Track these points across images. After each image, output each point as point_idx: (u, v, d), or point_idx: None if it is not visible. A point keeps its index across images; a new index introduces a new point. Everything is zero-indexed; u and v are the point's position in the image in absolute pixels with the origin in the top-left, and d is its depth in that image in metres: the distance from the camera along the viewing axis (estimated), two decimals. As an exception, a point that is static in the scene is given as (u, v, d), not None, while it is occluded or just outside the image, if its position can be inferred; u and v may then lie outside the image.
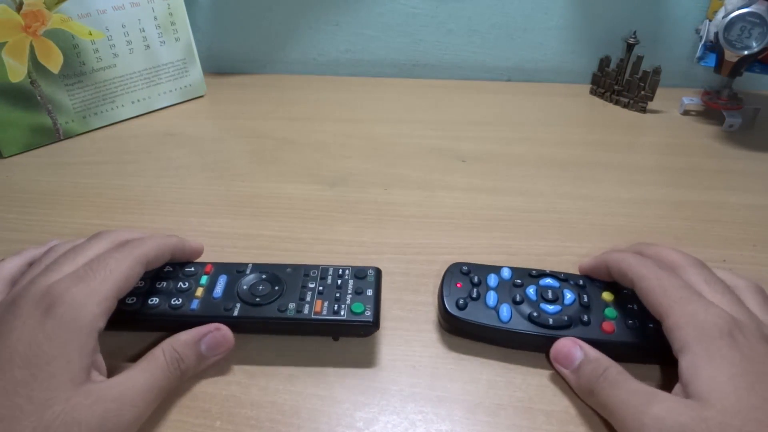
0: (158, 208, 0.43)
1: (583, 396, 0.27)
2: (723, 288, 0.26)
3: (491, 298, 0.30)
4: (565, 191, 0.45)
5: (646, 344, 0.28)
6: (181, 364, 0.26)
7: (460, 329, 0.30)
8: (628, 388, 0.25)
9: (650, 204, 0.44)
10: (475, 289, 0.31)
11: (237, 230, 0.40)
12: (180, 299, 0.30)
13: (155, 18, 0.55)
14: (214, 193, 0.45)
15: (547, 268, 0.32)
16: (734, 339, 0.23)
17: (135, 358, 0.27)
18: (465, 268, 0.32)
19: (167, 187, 0.46)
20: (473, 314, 0.30)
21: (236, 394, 0.28)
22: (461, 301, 0.30)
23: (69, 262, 0.26)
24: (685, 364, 0.23)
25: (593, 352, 0.27)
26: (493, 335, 0.30)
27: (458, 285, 0.31)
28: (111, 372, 0.25)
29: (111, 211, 0.42)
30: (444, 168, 0.48)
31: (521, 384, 0.29)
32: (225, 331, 0.28)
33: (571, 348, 0.28)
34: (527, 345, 0.30)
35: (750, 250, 0.39)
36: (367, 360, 0.30)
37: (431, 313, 0.33)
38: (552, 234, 0.40)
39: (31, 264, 0.29)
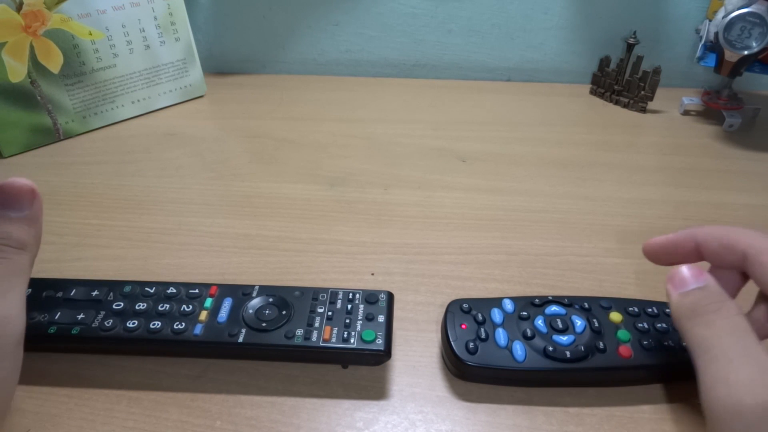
0: (158, 208, 0.43)
1: (680, 317, 0.24)
2: None
3: (501, 336, 0.28)
4: (565, 191, 0.45)
5: (668, 365, 0.27)
6: (8, 241, 0.24)
7: (474, 375, 0.28)
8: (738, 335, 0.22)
9: (650, 204, 0.44)
10: (481, 329, 0.29)
11: (237, 230, 0.40)
12: (183, 323, 0.29)
13: (155, 18, 0.55)
14: (214, 193, 0.45)
15: (550, 294, 0.31)
16: None
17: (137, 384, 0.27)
18: (465, 305, 0.30)
19: (167, 187, 0.46)
20: (486, 358, 0.28)
21: (236, 394, 0.28)
22: (471, 345, 0.28)
23: None
24: None
25: (716, 286, 0.24)
26: (509, 376, 0.28)
27: (463, 326, 0.29)
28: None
29: (111, 211, 0.42)
30: (444, 168, 0.48)
31: (521, 384, 0.29)
32: (17, 178, 0.25)
33: (695, 274, 0.24)
34: (547, 382, 0.28)
35: (750, 250, 0.39)
36: (367, 360, 0.30)
37: (431, 312, 0.33)
38: (552, 234, 0.40)
39: None
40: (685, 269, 0.25)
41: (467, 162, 0.49)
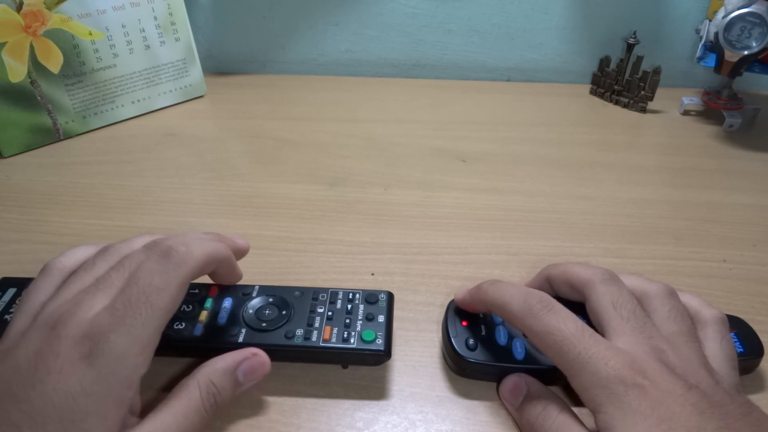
0: (158, 208, 0.43)
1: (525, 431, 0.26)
2: (629, 312, 0.25)
3: (501, 334, 0.29)
4: (565, 191, 0.45)
5: None
6: (218, 398, 0.24)
7: (473, 371, 0.29)
8: (565, 431, 0.24)
9: (650, 204, 0.44)
10: (482, 326, 0.29)
11: (237, 230, 0.40)
12: (183, 323, 0.28)
13: (155, 18, 0.55)
14: (214, 193, 0.45)
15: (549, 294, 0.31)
16: (640, 387, 0.22)
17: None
18: None
19: (167, 187, 0.46)
20: (486, 355, 0.28)
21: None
22: (471, 342, 0.28)
23: (113, 283, 0.24)
24: (602, 425, 0.22)
25: (536, 388, 0.26)
26: (509, 374, 0.28)
27: (463, 323, 0.29)
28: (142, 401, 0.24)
29: (111, 211, 0.42)
30: (444, 168, 0.48)
31: (521, 384, 0.29)
32: (262, 356, 0.26)
33: (516, 383, 0.27)
34: (547, 381, 0.28)
35: (750, 250, 0.39)
36: (367, 360, 0.30)
37: (431, 312, 0.33)
38: (552, 234, 0.40)
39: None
40: (508, 383, 0.27)
41: (467, 162, 0.49)
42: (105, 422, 0.21)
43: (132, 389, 0.22)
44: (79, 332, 0.21)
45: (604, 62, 0.61)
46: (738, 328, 0.30)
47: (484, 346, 0.28)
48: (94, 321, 0.22)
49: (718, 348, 0.26)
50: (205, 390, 0.24)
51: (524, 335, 0.29)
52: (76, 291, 0.24)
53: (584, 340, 0.24)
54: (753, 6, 0.47)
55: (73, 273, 0.26)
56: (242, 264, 0.35)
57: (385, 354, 0.28)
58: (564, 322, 0.24)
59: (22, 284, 0.31)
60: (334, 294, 0.30)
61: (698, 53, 0.55)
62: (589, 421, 0.25)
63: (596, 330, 0.25)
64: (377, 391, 0.28)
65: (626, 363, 0.23)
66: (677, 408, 0.21)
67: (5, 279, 0.32)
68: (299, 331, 0.28)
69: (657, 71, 0.56)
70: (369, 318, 0.29)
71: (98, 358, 0.21)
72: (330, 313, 0.29)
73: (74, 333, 0.21)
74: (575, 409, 0.25)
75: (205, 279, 0.32)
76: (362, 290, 0.31)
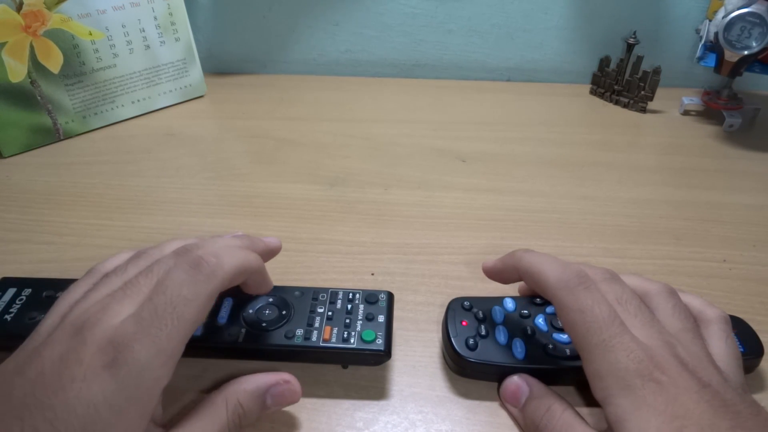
0: (158, 208, 0.43)
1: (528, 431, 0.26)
2: (635, 308, 0.25)
3: (501, 333, 0.29)
4: (565, 191, 0.45)
5: None
6: (243, 419, 0.24)
7: (473, 370, 0.28)
8: (570, 431, 0.24)
9: (650, 204, 0.44)
10: (482, 326, 0.29)
11: (237, 230, 0.40)
12: None
13: (155, 18, 0.55)
14: (214, 193, 0.45)
15: None
16: (657, 382, 0.22)
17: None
18: (467, 303, 0.30)
19: (167, 187, 0.46)
20: (486, 354, 0.28)
21: (236, 394, 0.28)
22: (471, 341, 0.28)
23: (141, 289, 0.23)
24: (612, 417, 0.22)
25: (539, 389, 0.26)
26: (509, 374, 0.28)
27: (464, 323, 0.29)
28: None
29: (111, 211, 0.42)
30: (444, 168, 0.48)
31: (521, 384, 0.29)
32: (294, 385, 0.26)
33: (518, 384, 0.27)
34: (547, 380, 0.27)
35: (750, 250, 0.39)
36: (367, 360, 0.30)
37: (431, 312, 0.33)
38: (552, 234, 0.40)
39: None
40: (510, 386, 0.27)
41: (467, 162, 0.49)
42: None
43: (154, 401, 0.22)
44: (103, 339, 0.21)
45: (604, 62, 0.61)
46: (738, 328, 0.30)
47: (485, 346, 0.28)
48: (119, 329, 0.21)
49: (723, 346, 0.25)
50: (232, 410, 0.24)
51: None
52: (104, 294, 0.24)
53: (613, 327, 0.23)
54: (753, 6, 0.47)
55: (105, 276, 0.25)
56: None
57: (385, 354, 0.28)
58: (598, 304, 0.24)
59: (22, 284, 0.31)
60: (334, 294, 0.30)
61: (698, 53, 0.55)
62: (592, 421, 0.25)
63: None
64: (377, 391, 0.28)
65: (647, 356, 0.22)
66: (692, 405, 0.21)
67: (5, 279, 0.32)
68: (299, 331, 0.28)
69: (657, 71, 0.56)
70: (369, 318, 0.29)
71: (121, 368, 0.21)
72: (330, 313, 0.29)
73: (99, 339, 0.21)
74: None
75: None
76: (362, 290, 0.31)
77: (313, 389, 0.28)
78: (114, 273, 0.25)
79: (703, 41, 0.53)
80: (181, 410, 0.27)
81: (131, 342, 0.21)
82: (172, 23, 0.56)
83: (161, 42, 0.56)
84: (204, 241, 0.27)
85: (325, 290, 0.31)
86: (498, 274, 0.30)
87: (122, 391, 0.20)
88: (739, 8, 0.48)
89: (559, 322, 0.29)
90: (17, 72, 0.48)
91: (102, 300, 0.23)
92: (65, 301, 0.25)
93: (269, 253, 0.30)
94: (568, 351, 0.28)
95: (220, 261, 0.24)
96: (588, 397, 0.28)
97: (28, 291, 0.31)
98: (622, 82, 0.60)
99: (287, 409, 0.27)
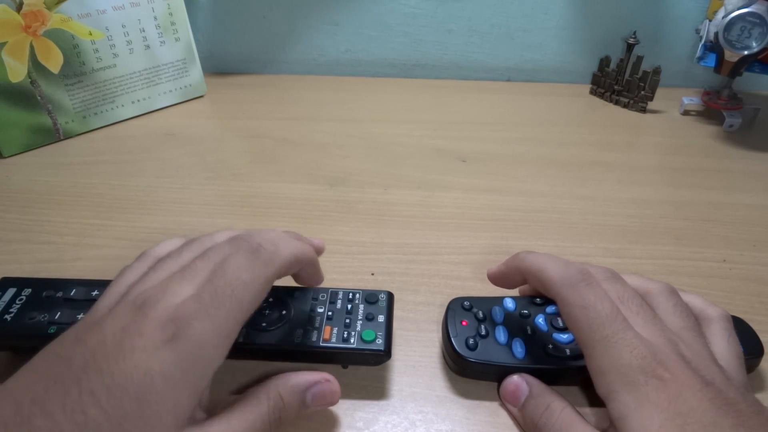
0: (158, 208, 0.43)
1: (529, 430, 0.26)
2: (637, 306, 0.25)
3: (501, 333, 0.29)
4: (565, 191, 0.45)
5: None
6: (283, 413, 0.24)
7: (473, 370, 0.28)
8: (569, 429, 0.24)
9: (650, 204, 0.44)
10: (482, 326, 0.29)
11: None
12: None
13: (155, 18, 0.55)
14: (214, 193, 0.45)
15: None
16: (660, 379, 0.22)
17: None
18: (467, 303, 0.30)
19: (167, 187, 0.46)
20: (486, 354, 0.28)
21: (236, 395, 0.28)
22: (471, 341, 0.28)
23: (199, 273, 0.24)
24: (615, 413, 0.22)
25: (538, 388, 0.26)
26: (509, 374, 0.28)
27: (464, 323, 0.29)
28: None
29: (111, 211, 0.42)
30: (444, 168, 0.48)
31: (521, 384, 0.29)
32: (334, 384, 0.26)
33: (517, 384, 0.27)
34: (547, 380, 0.27)
35: (750, 250, 0.39)
36: (367, 360, 0.30)
37: (431, 312, 0.33)
38: (552, 234, 0.40)
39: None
40: (509, 386, 0.27)
41: (467, 162, 0.49)
42: (177, 408, 0.21)
43: (206, 380, 0.22)
44: (164, 315, 0.22)
45: (604, 62, 0.61)
46: (738, 328, 0.29)
47: (484, 346, 0.28)
48: (180, 307, 0.22)
49: (725, 345, 0.26)
50: (273, 403, 0.24)
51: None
52: (163, 276, 0.24)
53: (616, 323, 0.23)
54: (753, 6, 0.47)
55: (160, 260, 0.26)
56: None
57: (385, 354, 0.28)
58: (601, 300, 0.24)
59: (22, 284, 0.31)
60: (334, 294, 0.30)
61: (698, 53, 0.55)
62: (593, 421, 0.25)
63: None
64: (377, 391, 0.28)
65: (650, 353, 0.23)
66: (695, 403, 0.21)
67: (5, 279, 0.32)
68: (299, 331, 0.28)
69: (657, 71, 0.56)
70: (369, 318, 0.29)
71: (180, 342, 0.21)
72: (330, 313, 0.29)
73: (160, 315, 0.22)
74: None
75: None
76: (362, 290, 0.31)
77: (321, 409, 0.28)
78: (169, 257, 0.26)
79: (703, 41, 0.53)
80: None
81: (191, 320, 0.22)
82: (172, 23, 0.56)
83: (161, 42, 0.56)
84: (257, 231, 0.27)
85: (325, 290, 0.31)
86: (503, 278, 0.30)
87: (179, 366, 0.21)
88: (739, 8, 0.48)
89: (559, 322, 0.29)
90: (17, 72, 0.48)
91: (162, 282, 0.24)
92: (121, 282, 0.26)
93: (316, 251, 0.30)
94: (568, 351, 0.28)
95: (278, 249, 0.25)
96: (589, 397, 0.28)
97: (28, 291, 0.30)
98: (622, 82, 0.60)
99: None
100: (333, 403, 0.26)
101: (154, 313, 0.22)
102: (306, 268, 0.28)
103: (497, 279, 0.31)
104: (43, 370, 0.21)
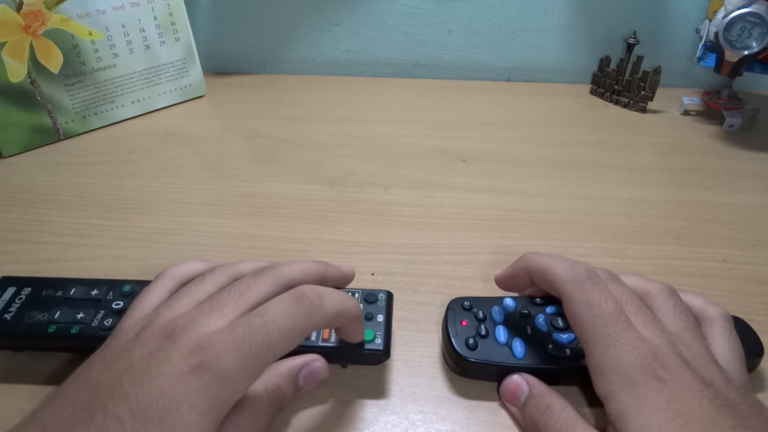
0: (158, 208, 0.43)
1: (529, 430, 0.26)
2: (635, 307, 0.25)
3: (501, 333, 0.29)
4: (566, 191, 0.45)
5: None
6: (281, 401, 0.25)
7: (473, 370, 0.28)
8: (569, 430, 0.24)
9: (650, 204, 0.44)
10: (482, 326, 0.29)
11: (236, 230, 0.40)
12: None
13: (155, 18, 0.55)
14: (214, 193, 0.45)
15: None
16: (660, 380, 0.22)
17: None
18: (467, 303, 0.30)
19: (167, 187, 0.46)
20: (486, 354, 0.28)
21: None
22: (471, 341, 0.28)
23: (226, 303, 0.24)
24: (614, 413, 0.22)
25: (538, 388, 0.26)
26: (509, 374, 0.28)
27: (463, 323, 0.29)
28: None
29: (111, 211, 0.42)
30: (444, 168, 0.48)
31: (521, 384, 0.29)
32: (321, 362, 0.27)
33: (518, 384, 0.27)
34: (547, 380, 0.27)
35: (750, 250, 0.39)
36: (367, 360, 0.30)
37: (431, 312, 0.33)
38: (552, 234, 0.40)
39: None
40: (509, 385, 0.27)
41: (467, 162, 0.49)
42: None
43: (226, 411, 0.22)
44: (193, 343, 0.22)
45: (604, 62, 0.61)
46: (738, 328, 0.29)
47: (485, 346, 0.28)
48: (210, 336, 0.22)
49: (726, 345, 0.25)
50: (272, 394, 0.25)
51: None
52: (189, 304, 0.24)
53: (618, 323, 0.24)
54: (753, 6, 0.47)
55: (185, 285, 0.26)
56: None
57: (384, 353, 0.28)
58: (605, 300, 0.24)
59: (21, 283, 0.31)
60: None
61: (698, 53, 0.55)
62: (592, 420, 0.25)
63: None
64: (377, 391, 0.28)
65: (650, 354, 0.23)
66: (694, 404, 0.21)
67: (5, 278, 0.32)
68: None
69: (657, 71, 0.56)
70: (368, 317, 0.29)
71: (208, 371, 0.21)
72: None
73: (188, 343, 0.22)
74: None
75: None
76: (361, 290, 0.31)
77: (313, 389, 0.28)
78: (195, 284, 0.26)
79: (703, 41, 0.53)
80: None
81: (220, 351, 0.21)
82: (172, 23, 0.56)
83: (161, 42, 0.56)
84: (282, 264, 0.27)
85: None
86: (510, 280, 0.30)
87: (204, 394, 0.21)
88: (739, 8, 0.48)
89: (559, 322, 0.29)
90: (17, 72, 0.48)
91: (190, 312, 0.24)
92: (146, 303, 0.26)
93: (344, 280, 0.30)
94: (568, 351, 0.28)
95: (323, 302, 0.24)
96: (588, 397, 0.28)
97: (27, 290, 0.31)
98: (622, 82, 0.60)
99: (287, 408, 0.27)
100: (323, 378, 0.27)
101: (183, 340, 0.22)
102: (348, 325, 0.27)
103: (505, 282, 0.31)
104: (71, 396, 0.21)
